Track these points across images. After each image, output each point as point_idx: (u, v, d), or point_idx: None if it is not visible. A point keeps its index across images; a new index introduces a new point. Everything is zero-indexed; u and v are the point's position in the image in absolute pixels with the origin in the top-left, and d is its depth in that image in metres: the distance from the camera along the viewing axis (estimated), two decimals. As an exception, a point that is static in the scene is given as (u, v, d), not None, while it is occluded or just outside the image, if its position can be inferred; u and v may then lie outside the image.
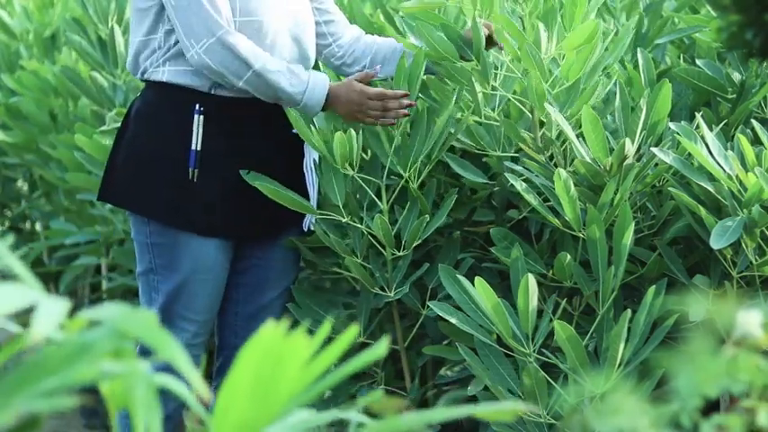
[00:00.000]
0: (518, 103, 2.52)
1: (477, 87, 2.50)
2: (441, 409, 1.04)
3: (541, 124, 2.49)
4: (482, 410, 1.06)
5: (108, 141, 3.42)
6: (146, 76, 2.58)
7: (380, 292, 2.64)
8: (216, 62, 2.44)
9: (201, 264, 2.56)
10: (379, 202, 2.60)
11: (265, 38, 2.52)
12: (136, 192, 2.58)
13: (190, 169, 2.52)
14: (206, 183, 2.53)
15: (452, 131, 2.56)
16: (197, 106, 2.52)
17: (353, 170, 2.53)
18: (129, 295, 4.12)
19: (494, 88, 2.52)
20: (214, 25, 2.44)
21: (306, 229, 2.66)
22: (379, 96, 2.50)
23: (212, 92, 2.52)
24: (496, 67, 2.54)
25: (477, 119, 2.54)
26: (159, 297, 2.59)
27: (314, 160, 2.63)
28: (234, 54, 2.44)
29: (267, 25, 2.52)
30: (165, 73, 2.53)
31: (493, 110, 2.54)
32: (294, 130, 2.59)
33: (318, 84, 2.50)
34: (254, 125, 2.56)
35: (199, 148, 2.52)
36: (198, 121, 2.52)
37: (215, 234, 2.56)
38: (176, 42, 2.51)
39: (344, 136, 2.47)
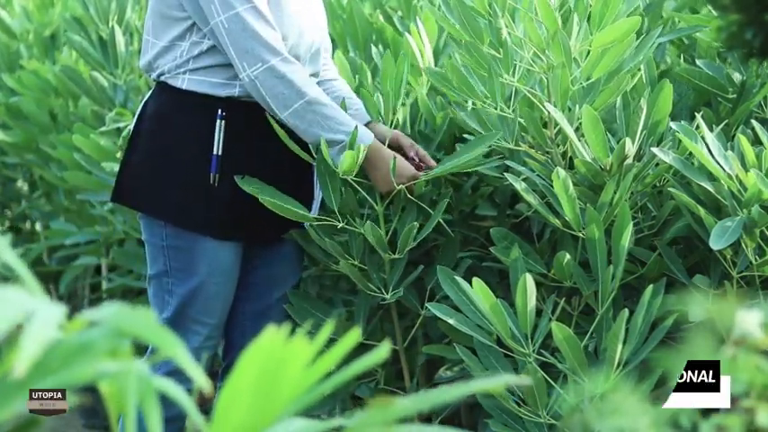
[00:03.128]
0: (533, 98, 2.46)
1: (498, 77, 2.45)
2: (433, 392, 1.04)
3: (544, 124, 2.48)
4: (473, 388, 1.06)
5: (106, 142, 3.42)
6: (162, 78, 2.56)
7: (377, 294, 2.64)
8: (266, 88, 2.43)
9: (217, 267, 2.56)
10: (375, 205, 2.59)
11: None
12: (153, 194, 2.56)
13: (211, 174, 2.51)
14: (225, 187, 2.52)
15: (470, 123, 2.55)
16: (219, 111, 2.51)
17: (351, 174, 2.52)
18: (130, 295, 4.13)
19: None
20: (268, 51, 2.42)
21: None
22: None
23: (233, 95, 2.51)
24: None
25: (492, 110, 2.50)
26: (173, 300, 2.58)
27: None
28: (286, 82, 2.43)
29: (295, 49, 2.53)
30: (185, 81, 2.52)
31: (507, 102, 2.52)
32: None
33: (365, 133, 2.50)
34: (271, 128, 2.54)
35: (220, 153, 2.51)
36: (219, 126, 2.51)
37: (232, 237, 2.56)
38: (199, 54, 2.50)
39: (352, 153, 2.46)
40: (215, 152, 2.51)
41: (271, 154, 2.56)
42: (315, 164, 2.61)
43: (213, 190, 2.52)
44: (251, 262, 2.68)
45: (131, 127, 2.65)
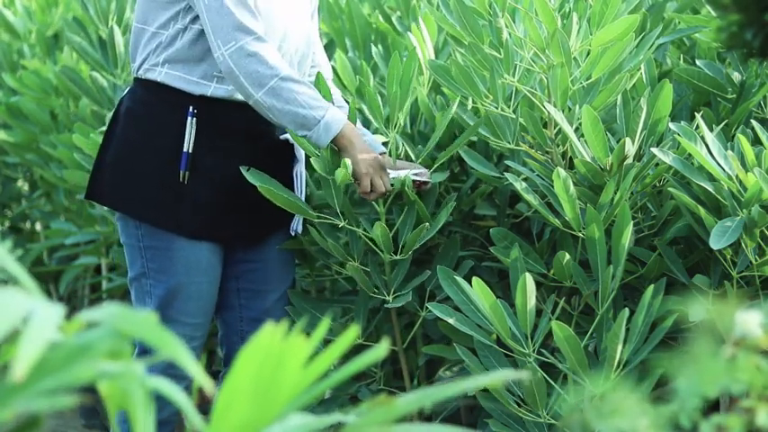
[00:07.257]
0: (533, 98, 2.46)
1: (499, 77, 2.45)
2: (432, 390, 1.04)
3: (545, 124, 2.48)
4: (471, 384, 1.06)
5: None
6: (140, 72, 2.55)
7: (378, 296, 2.63)
8: (240, 67, 2.40)
9: (195, 267, 2.54)
10: (376, 206, 2.59)
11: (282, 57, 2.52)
12: (127, 193, 2.55)
13: (181, 171, 2.50)
14: (197, 185, 2.51)
15: (471, 123, 2.55)
16: (190, 108, 2.50)
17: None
18: (130, 295, 4.12)
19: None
20: (241, 30, 2.40)
21: (293, 233, 2.65)
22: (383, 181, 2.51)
23: (206, 94, 2.50)
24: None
25: (493, 110, 2.50)
26: (152, 302, 2.56)
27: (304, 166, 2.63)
28: (259, 60, 2.40)
29: (284, 44, 2.52)
30: (162, 74, 2.51)
31: (507, 102, 2.51)
32: (283, 135, 2.57)
33: (337, 114, 2.46)
34: (245, 128, 2.53)
35: (190, 151, 2.50)
36: (191, 123, 2.49)
37: (206, 237, 2.54)
38: (180, 46, 2.48)
39: (345, 170, 2.45)
40: (185, 149, 2.49)
41: (243, 155, 2.54)
42: (294, 171, 2.59)
43: (184, 188, 2.50)
44: (239, 267, 2.65)
45: (107, 125, 2.64)
